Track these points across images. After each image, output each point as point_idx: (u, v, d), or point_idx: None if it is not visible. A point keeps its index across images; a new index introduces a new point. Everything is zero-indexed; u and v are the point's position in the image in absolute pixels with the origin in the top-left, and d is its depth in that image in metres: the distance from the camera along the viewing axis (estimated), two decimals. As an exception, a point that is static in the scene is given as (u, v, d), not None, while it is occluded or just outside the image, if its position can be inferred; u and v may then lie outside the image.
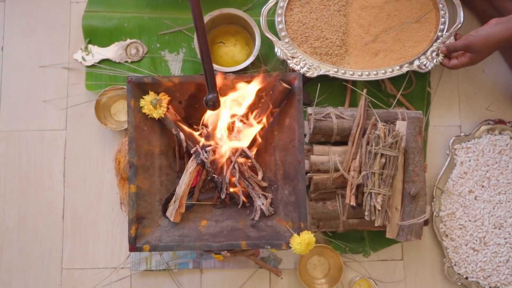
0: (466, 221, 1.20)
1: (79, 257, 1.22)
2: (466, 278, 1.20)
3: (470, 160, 1.22)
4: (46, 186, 1.24)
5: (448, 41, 1.18)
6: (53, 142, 1.25)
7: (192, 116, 1.13)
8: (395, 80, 1.24)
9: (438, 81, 1.28)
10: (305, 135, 1.17)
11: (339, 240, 1.20)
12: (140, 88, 1.05)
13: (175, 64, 1.25)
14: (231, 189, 1.09)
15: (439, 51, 1.18)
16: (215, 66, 1.15)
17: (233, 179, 1.08)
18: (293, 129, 1.03)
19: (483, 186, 1.21)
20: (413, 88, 1.25)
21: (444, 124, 1.27)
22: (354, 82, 1.22)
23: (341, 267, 1.17)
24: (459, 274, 1.20)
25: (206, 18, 1.16)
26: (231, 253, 1.04)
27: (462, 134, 1.24)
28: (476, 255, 1.19)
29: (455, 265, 1.20)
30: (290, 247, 0.98)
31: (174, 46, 1.26)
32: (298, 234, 0.99)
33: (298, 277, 1.17)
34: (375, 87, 1.24)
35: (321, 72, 1.17)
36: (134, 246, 1.01)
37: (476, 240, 1.19)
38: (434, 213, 1.21)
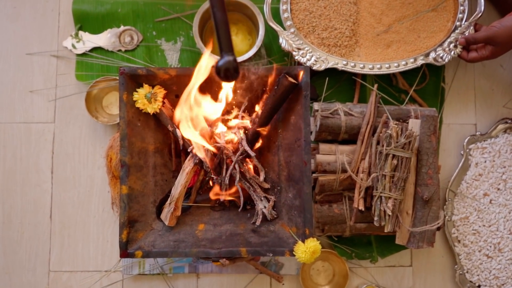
0: (480, 226, 1.14)
1: (67, 259, 1.15)
2: (479, 286, 1.14)
3: (485, 161, 1.16)
4: (32, 183, 1.17)
5: (467, 32, 1.10)
6: (41, 136, 1.18)
7: (190, 111, 1.06)
8: (407, 75, 1.17)
9: (453, 76, 1.21)
10: (310, 133, 1.09)
11: (344, 245, 1.14)
12: (133, 80, 0.98)
13: (172, 54, 1.18)
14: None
15: (457, 43, 1.10)
16: (216, 58, 1.07)
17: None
18: (299, 128, 0.96)
19: (499, 189, 1.15)
20: (427, 83, 1.18)
21: (458, 122, 1.20)
22: (363, 76, 1.15)
23: (346, 273, 1.11)
24: (471, 282, 1.14)
25: (206, 4, 1.09)
26: (230, 260, 0.97)
27: (477, 133, 1.18)
28: (490, 262, 1.13)
29: (467, 272, 1.14)
30: (294, 255, 0.93)
31: (171, 35, 1.19)
32: (303, 241, 0.93)
33: (301, 283, 1.12)
34: (385, 81, 1.17)
35: (329, 65, 1.10)
36: (125, 251, 0.95)
37: (490, 246, 1.13)
38: (446, 217, 1.14)
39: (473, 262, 1.14)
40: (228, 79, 0.71)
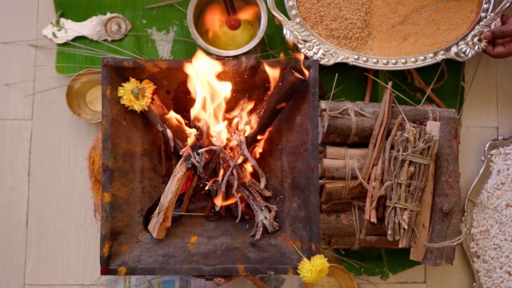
0: (501, 240, 1.06)
1: (45, 271, 1.07)
2: (500, 306, 1.05)
3: (508, 169, 1.07)
4: (7, 186, 1.08)
5: (493, 24, 1.01)
6: (17, 134, 1.09)
7: (183, 109, 0.97)
8: (423, 72, 1.08)
9: (474, 74, 1.11)
10: (317, 135, 1.00)
11: (352, 259, 1.05)
12: (118, 73, 0.90)
13: (163, 45, 1.11)
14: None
15: (482, 36, 1.00)
16: (213, 50, 1.00)
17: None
18: (306, 129, 0.87)
19: (522, 200, 1.06)
20: (445, 81, 1.08)
21: (479, 125, 1.12)
22: (375, 72, 1.07)
23: (354, 290, 1.01)
24: (491, 301, 1.05)
25: (202, -10, 1.00)
26: (226, 278, 0.87)
27: (500, 137, 1.09)
28: (512, 280, 1.05)
29: (486, 291, 1.05)
30: (298, 274, 0.84)
31: (163, 23, 1.11)
32: (309, 258, 0.85)
33: (304, 301, 1.01)
34: (399, 78, 1.08)
35: (339, 60, 1.02)
36: (107, 268, 0.86)
37: (513, 263, 1.05)
38: (465, 229, 1.04)
39: (494, 280, 1.06)
40: (235, 28, 1.02)
